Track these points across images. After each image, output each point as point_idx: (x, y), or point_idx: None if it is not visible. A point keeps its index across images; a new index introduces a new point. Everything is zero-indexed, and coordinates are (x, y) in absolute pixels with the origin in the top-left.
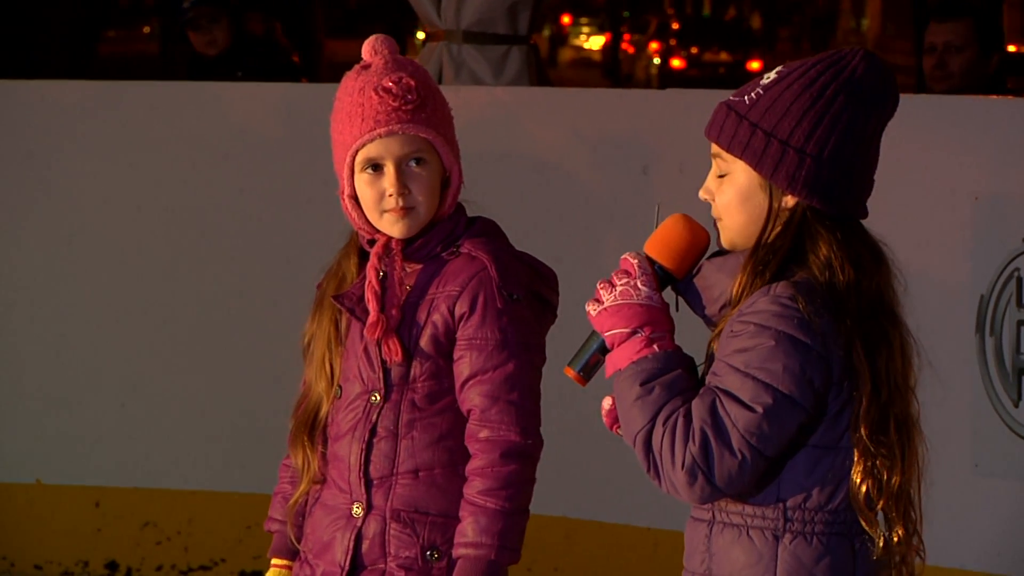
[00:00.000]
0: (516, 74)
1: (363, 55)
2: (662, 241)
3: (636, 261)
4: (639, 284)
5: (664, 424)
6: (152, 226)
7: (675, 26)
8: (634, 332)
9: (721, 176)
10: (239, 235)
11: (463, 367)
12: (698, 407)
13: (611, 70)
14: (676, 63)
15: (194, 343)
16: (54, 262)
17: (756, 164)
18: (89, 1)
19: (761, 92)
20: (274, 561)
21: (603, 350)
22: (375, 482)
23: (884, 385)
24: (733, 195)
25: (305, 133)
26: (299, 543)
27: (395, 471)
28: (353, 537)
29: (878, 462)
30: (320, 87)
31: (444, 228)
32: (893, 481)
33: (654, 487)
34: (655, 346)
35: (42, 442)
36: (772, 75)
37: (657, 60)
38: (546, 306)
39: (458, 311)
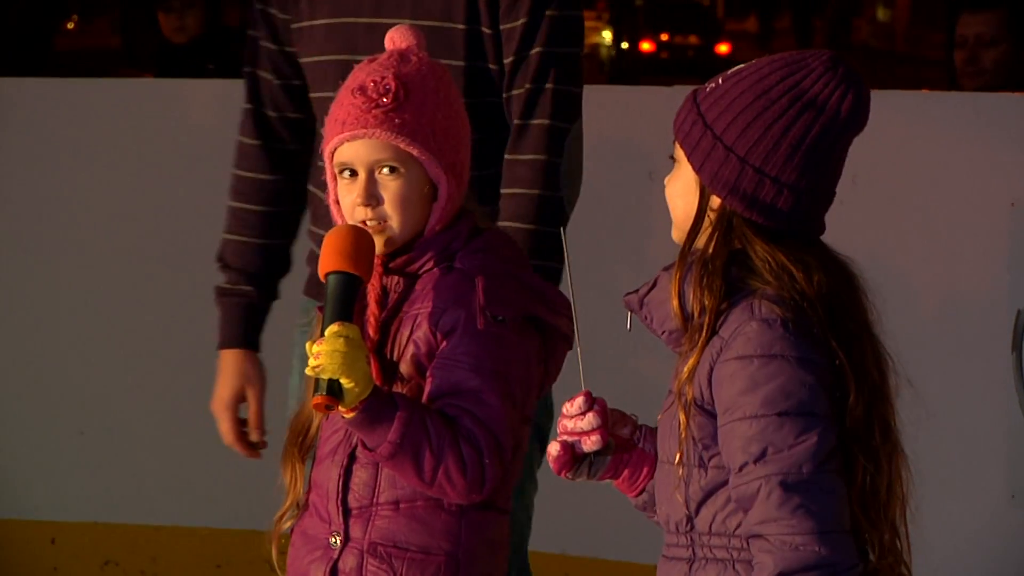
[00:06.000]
0: None
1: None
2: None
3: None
4: None
5: None
6: (114, 239)
7: (638, 2)
8: None
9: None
10: (207, 256)
11: (427, 386)
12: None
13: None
14: (646, 46)
15: (159, 365)
16: (7, 278)
17: (690, 153)
18: None
19: (720, 82)
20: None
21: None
22: (353, 512)
23: (864, 384)
24: (679, 184)
25: None
26: (281, 569)
27: (375, 501)
28: (329, 570)
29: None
30: None
31: (437, 242)
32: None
33: (655, 523)
34: None
35: None
36: (740, 67)
37: (619, 43)
38: (548, 332)
39: (441, 330)
